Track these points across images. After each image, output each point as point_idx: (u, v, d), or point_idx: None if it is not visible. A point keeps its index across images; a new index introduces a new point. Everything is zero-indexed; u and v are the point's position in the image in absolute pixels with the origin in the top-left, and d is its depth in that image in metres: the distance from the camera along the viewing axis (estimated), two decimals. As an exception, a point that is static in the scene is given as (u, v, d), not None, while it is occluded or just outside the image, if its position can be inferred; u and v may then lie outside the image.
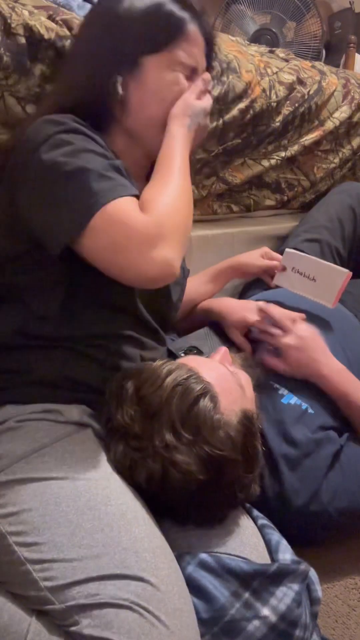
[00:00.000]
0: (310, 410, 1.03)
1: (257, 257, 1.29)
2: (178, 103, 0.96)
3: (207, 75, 1.00)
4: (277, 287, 1.29)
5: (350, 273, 1.17)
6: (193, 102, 0.96)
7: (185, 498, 0.78)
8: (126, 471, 0.79)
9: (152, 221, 0.79)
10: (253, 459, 0.83)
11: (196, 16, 0.98)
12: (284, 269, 1.23)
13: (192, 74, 0.98)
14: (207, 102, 0.99)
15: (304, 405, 1.03)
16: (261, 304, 1.15)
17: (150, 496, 0.79)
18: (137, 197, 0.84)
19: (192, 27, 0.97)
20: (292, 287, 1.23)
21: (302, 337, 1.08)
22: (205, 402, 0.78)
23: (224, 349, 0.93)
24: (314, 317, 1.22)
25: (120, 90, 0.94)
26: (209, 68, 1.07)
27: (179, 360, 0.87)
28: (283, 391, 1.05)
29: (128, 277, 0.81)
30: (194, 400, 0.78)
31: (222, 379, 0.84)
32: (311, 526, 0.97)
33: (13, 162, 0.89)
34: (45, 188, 0.82)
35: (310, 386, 1.07)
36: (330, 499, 0.96)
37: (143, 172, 1.03)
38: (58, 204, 0.81)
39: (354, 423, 1.07)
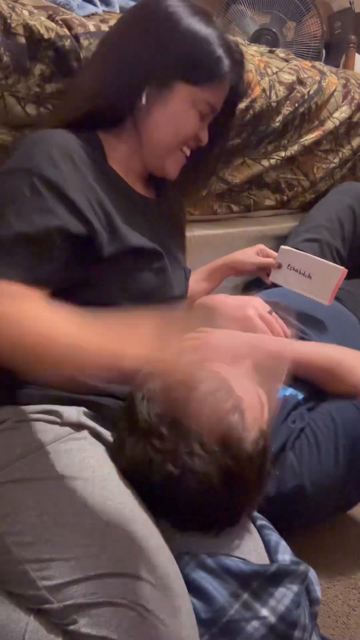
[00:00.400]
0: (300, 396, 1.03)
1: (253, 255, 1.29)
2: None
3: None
4: (274, 284, 1.29)
5: (346, 270, 1.17)
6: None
7: (194, 506, 0.77)
8: (139, 471, 0.78)
9: None
10: (265, 479, 0.83)
11: (236, 66, 0.99)
12: (279, 266, 1.24)
13: (210, 113, 0.99)
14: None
15: (300, 395, 1.04)
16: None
17: (157, 497, 0.79)
18: (29, 279, 0.75)
19: (228, 77, 0.98)
20: (287, 284, 1.23)
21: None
22: (235, 417, 0.78)
23: (249, 363, 0.91)
24: (311, 318, 1.22)
25: (144, 101, 0.94)
26: (232, 114, 1.08)
27: (210, 369, 0.86)
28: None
29: None
30: (224, 413, 0.77)
31: (249, 396, 0.83)
32: (298, 505, 0.96)
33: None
34: None
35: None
36: (306, 471, 0.95)
37: (139, 177, 1.02)
38: None
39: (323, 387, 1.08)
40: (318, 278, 1.19)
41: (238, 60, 1.00)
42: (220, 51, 0.95)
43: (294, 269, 1.21)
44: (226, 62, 0.96)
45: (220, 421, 0.77)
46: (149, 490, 0.78)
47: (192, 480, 0.75)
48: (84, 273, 0.87)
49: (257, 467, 0.80)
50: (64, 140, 0.89)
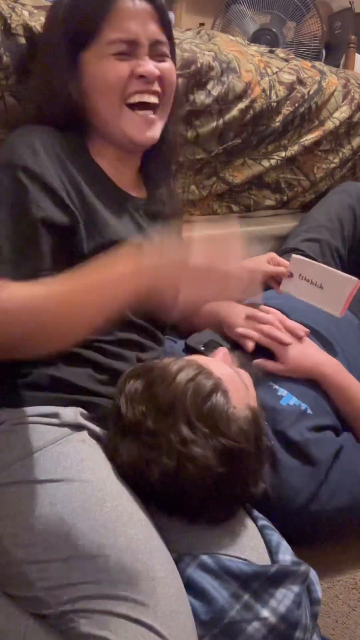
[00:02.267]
0: (309, 411, 1.03)
1: (264, 263, 1.27)
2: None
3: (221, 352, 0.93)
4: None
5: (359, 281, 1.13)
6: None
7: (200, 493, 0.78)
8: (137, 472, 0.78)
9: None
10: (263, 451, 0.84)
11: None
12: (290, 275, 1.21)
13: (132, 47, 0.90)
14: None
15: (303, 406, 1.03)
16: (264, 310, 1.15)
17: (161, 495, 0.79)
18: (30, 274, 0.77)
19: (122, 2, 0.90)
20: (298, 294, 1.20)
21: (302, 345, 1.10)
22: (218, 397, 0.78)
23: (224, 350, 0.93)
24: (313, 320, 1.22)
25: (74, 95, 0.92)
26: (170, 38, 0.97)
27: (186, 358, 0.87)
28: (282, 392, 1.05)
29: None
30: (207, 394, 0.78)
31: (229, 376, 0.84)
32: (310, 526, 0.97)
33: None
34: None
35: (308, 386, 1.07)
36: (329, 499, 0.96)
37: (129, 178, 1.01)
38: None
39: (353, 419, 1.07)
40: (330, 289, 1.15)
41: None
42: None
43: (305, 278, 1.17)
44: None
45: (205, 402, 0.77)
46: (152, 491, 0.78)
47: (190, 467, 0.75)
48: (68, 269, 0.81)
49: (253, 439, 0.80)
50: (47, 133, 0.90)
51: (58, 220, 0.84)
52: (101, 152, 0.97)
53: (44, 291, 0.73)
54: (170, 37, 0.98)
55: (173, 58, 0.99)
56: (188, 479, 0.75)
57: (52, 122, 0.94)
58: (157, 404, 0.78)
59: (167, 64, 0.96)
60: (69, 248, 0.87)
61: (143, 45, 0.91)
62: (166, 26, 0.95)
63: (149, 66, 0.91)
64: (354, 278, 1.14)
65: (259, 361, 1.08)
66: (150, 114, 0.95)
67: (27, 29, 1.07)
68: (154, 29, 0.92)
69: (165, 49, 0.96)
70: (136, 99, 0.93)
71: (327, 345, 1.18)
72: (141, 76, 0.91)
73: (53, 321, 0.72)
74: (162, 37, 0.94)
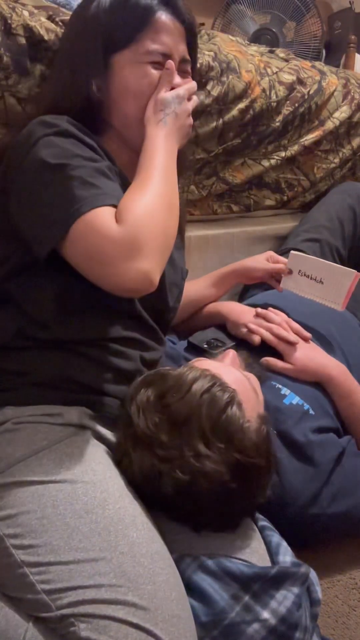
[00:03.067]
0: (311, 411, 1.03)
1: (263, 261, 1.27)
2: (149, 104, 0.94)
3: (170, 64, 0.94)
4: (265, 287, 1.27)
5: (359, 274, 1.14)
6: (162, 96, 0.93)
7: (211, 506, 0.77)
8: (148, 482, 0.77)
9: (126, 232, 0.77)
10: (272, 463, 0.83)
11: (166, 2, 0.95)
12: (290, 272, 1.20)
13: (165, 60, 0.95)
14: (178, 90, 0.95)
15: (306, 406, 1.03)
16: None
17: (170, 505, 0.79)
18: (118, 198, 0.83)
19: (161, 15, 0.94)
20: (299, 291, 1.20)
21: (309, 347, 1.10)
22: (233, 410, 0.77)
23: (232, 353, 0.93)
24: (315, 321, 1.22)
25: (96, 92, 0.94)
26: (193, 57, 1.03)
27: (196, 364, 0.86)
28: (285, 391, 1.05)
29: (105, 286, 0.81)
30: (222, 408, 0.77)
31: (241, 385, 0.84)
32: (309, 528, 0.97)
33: (7, 162, 0.89)
34: (33, 191, 0.83)
35: (310, 387, 1.07)
36: (330, 502, 0.96)
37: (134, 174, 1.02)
38: (43, 208, 0.82)
39: (354, 423, 1.08)
40: (330, 283, 1.15)
41: None
42: (136, 0, 0.92)
43: (305, 274, 1.18)
44: (146, 5, 0.93)
45: (220, 416, 0.77)
46: (163, 502, 0.78)
47: (203, 482, 0.74)
48: None
49: (264, 453, 0.80)
50: (69, 118, 0.91)
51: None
52: (115, 151, 0.97)
53: (142, 183, 0.85)
54: (194, 60, 1.04)
55: (193, 78, 1.04)
56: (200, 493, 0.75)
57: (65, 114, 0.93)
58: (171, 416, 0.77)
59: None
60: None
61: (174, 60, 0.96)
62: (194, 48, 1.03)
63: (178, 79, 0.97)
64: (353, 270, 1.14)
65: (267, 359, 1.08)
66: None
67: (27, 29, 1.07)
68: (183, 48, 0.98)
69: (189, 68, 1.01)
70: None
71: (327, 345, 1.19)
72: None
73: (171, 191, 0.88)
74: (188, 57, 1.00)
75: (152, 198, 0.83)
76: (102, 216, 0.79)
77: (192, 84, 0.98)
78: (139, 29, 0.93)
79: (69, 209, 0.79)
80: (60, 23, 1.13)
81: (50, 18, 1.13)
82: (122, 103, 0.95)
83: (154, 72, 0.94)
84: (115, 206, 0.82)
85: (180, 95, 0.95)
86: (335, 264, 1.18)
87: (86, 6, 0.95)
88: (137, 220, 0.79)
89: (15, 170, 0.86)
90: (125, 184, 0.91)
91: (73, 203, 0.79)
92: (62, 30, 1.11)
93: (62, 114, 0.91)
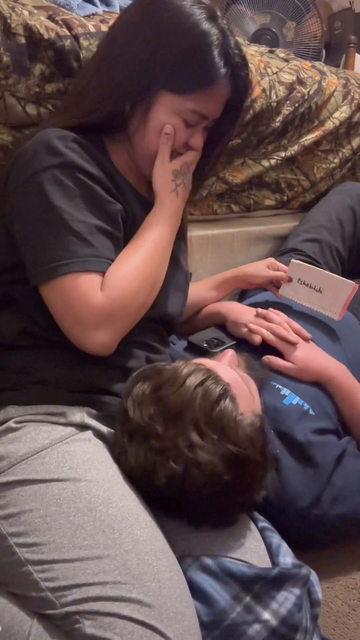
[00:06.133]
0: (311, 412, 1.03)
1: (263, 268, 1.28)
2: (159, 168, 0.96)
3: (169, 129, 0.94)
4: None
5: (357, 285, 1.15)
6: (174, 167, 0.97)
7: (205, 500, 0.78)
8: (144, 475, 0.78)
9: (105, 306, 0.83)
10: (268, 459, 0.83)
11: (235, 74, 0.94)
12: (289, 279, 1.22)
13: (202, 120, 0.96)
14: (186, 158, 0.98)
15: (306, 406, 1.03)
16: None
17: (166, 499, 0.79)
18: (109, 264, 0.86)
19: (223, 83, 0.93)
20: (297, 298, 1.22)
21: (310, 347, 1.10)
22: (226, 403, 0.78)
23: (231, 352, 0.93)
24: (316, 320, 1.22)
25: (128, 109, 0.93)
26: (233, 120, 1.03)
27: (195, 362, 0.87)
28: (285, 391, 1.05)
29: (68, 336, 0.86)
30: (216, 399, 0.77)
31: (236, 382, 0.84)
32: (310, 530, 0.97)
33: (14, 175, 0.90)
34: (31, 223, 0.86)
35: (311, 387, 1.07)
36: (331, 504, 0.95)
37: (142, 179, 1.02)
38: (37, 245, 0.85)
39: (355, 424, 1.07)
40: (329, 293, 1.17)
41: (236, 64, 0.94)
42: (212, 56, 0.90)
43: (304, 283, 1.20)
44: (218, 69, 0.91)
45: (214, 408, 0.77)
46: (157, 495, 0.78)
47: (197, 474, 0.74)
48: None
49: (259, 446, 0.80)
50: (75, 137, 0.90)
51: (122, 211, 0.92)
52: (125, 164, 0.99)
53: (137, 258, 0.89)
54: (238, 115, 1.05)
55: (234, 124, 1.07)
56: (194, 485, 0.75)
57: (85, 118, 0.94)
58: (166, 408, 0.77)
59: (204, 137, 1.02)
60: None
61: (208, 121, 0.98)
62: (235, 111, 1.02)
63: (199, 142, 0.99)
64: (352, 282, 1.16)
65: (269, 357, 1.08)
66: None
67: (27, 28, 1.07)
68: (221, 109, 0.98)
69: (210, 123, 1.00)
70: (173, 155, 0.98)
71: (331, 334, 1.19)
72: (187, 145, 0.98)
73: (158, 271, 0.92)
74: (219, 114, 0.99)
75: (140, 275, 0.88)
76: (90, 283, 0.83)
77: (195, 154, 1.00)
78: (197, 88, 0.91)
79: (59, 259, 0.83)
80: (60, 22, 1.12)
81: (50, 17, 1.13)
82: (148, 134, 0.95)
83: (182, 129, 0.95)
84: (103, 272, 0.85)
85: (188, 163, 0.99)
86: (334, 275, 1.20)
87: (161, 21, 0.90)
88: (119, 298, 0.84)
89: (16, 190, 0.88)
90: (134, 195, 0.95)
91: (65, 255, 0.83)
92: (63, 30, 1.11)
93: (87, 120, 0.92)
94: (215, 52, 0.90)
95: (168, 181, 0.97)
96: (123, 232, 0.92)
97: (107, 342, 0.85)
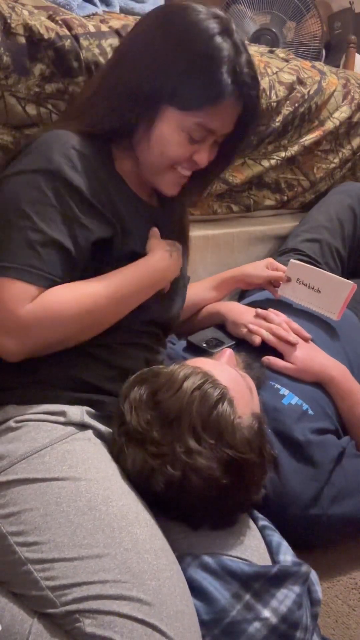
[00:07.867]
0: (310, 412, 1.03)
1: (262, 268, 1.28)
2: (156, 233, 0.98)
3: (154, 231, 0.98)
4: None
5: (355, 286, 1.16)
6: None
7: (204, 503, 0.77)
8: (142, 479, 0.78)
9: (27, 320, 0.80)
10: (267, 460, 0.83)
11: (244, 94, 0.91)
12: (288, 280, 1.22)
13: (209, 136, 0.93)
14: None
15: (305, 406, 1.03)
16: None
17: (164, 502, 0.79)
18: (53, 281, 0.83)
19: (231, 101, 0.90)
20: (296, 298, 1.22)
21: (309, 347, 1.11)
22: (224, 406, 0.78)
23: (229, 351, 0.93)
24: (317, 319, 1.22)
25: (133, 119, 0.92)
26: (242, 136, 1.00)
27: (189, 362, 0.86)
28: (284, 391, 1.05)
29: None
30: (213, 404, 0.77)
31: (234, 383, 0.84)
32: (310, 529, 0.97)
33: (12, 164, 0.90)
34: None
35: (310, 387, 1.07)
36: (330, 503, 0.95)
37: (144, 185, 1.02)
38: None
39: (355, 424, 1.07)
40: (327, 293, 1.18)
41: (244, 84, 0.90)
42: (219, 73, 0.87)
43: (303, 283, 1.20)
44: (225, 86, 0.87)
45: (211, 413, 0.77)
46: (155, 498, 0.78)
47: (195, 478, 0.74)
48: (91, 275, 0.89)
49: (257, 449, 0.80)
50: (78, 143, 0.90)
51: (102, 233, 0.88)
52: (128, 170, 0.98)
53: (89, 291, 0.86)
54: (249, 132, 1.02)
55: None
56: (192, 489, 0.75)
57: (90, 127, 0.93)
58: (163, 413, 0.77)
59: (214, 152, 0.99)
60: (101, 256, 0.90)
61: (215, 136, 0.95)
62: (246, 127, 0.98)
63: (204, 158, 0.95)
64: (350, 282, 1.16)
65: (268, 357, 1.08)
66: (185, 178, 0.99)
67: (27, 28, 1.07)
68: (232, 124, 0.95)
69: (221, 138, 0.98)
70: (178, 168, 0.97)
71: (331, 331, 1.19)
72: (192, 160, 0.95)
73: (104, 315, 0.88)
74: (229, 130, 0.96)
75: (80, 309, 0.84)
76: (21, 292, 0.81)
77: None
78: (201, 105, 0.89)
79: (1, 260, 0.81)
80: (60, 22, 1.12)
81: (50, 17, 1.13)
82: (148, 147, 0.94)
83: (186, 145, 0.93)
84: (43, 287, 0.82)
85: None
86: (333, 275, 1.21)
87: (164, 42, 0.88)
88: (43, 319, 0.81)
89: (2, 180, 0.88)
90: (135, 203, 0.95)
91: (8, 258, 0.82)
92: (63, 30, 1.11)
93: (92, 130, 0.92)
94: (223, 69, 0.87)
95: (165, 243, 0.98)
96: (111, 251, 0.91)
97: (11, 351, 0.82)
